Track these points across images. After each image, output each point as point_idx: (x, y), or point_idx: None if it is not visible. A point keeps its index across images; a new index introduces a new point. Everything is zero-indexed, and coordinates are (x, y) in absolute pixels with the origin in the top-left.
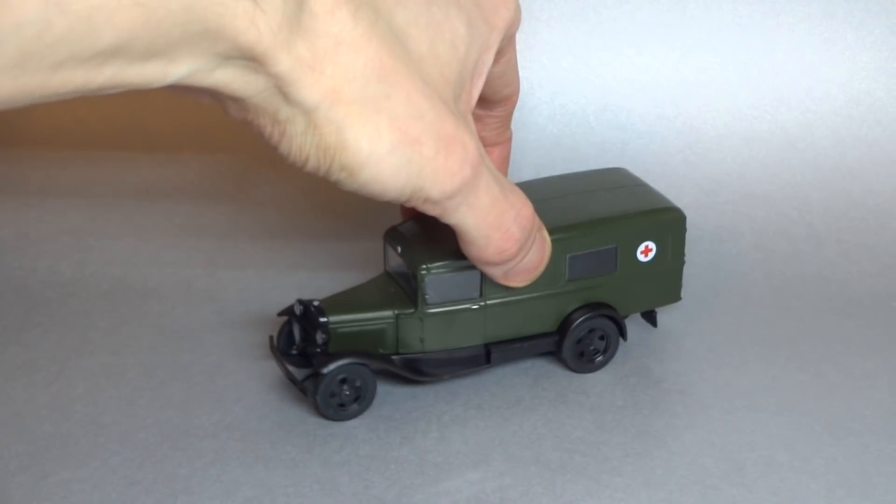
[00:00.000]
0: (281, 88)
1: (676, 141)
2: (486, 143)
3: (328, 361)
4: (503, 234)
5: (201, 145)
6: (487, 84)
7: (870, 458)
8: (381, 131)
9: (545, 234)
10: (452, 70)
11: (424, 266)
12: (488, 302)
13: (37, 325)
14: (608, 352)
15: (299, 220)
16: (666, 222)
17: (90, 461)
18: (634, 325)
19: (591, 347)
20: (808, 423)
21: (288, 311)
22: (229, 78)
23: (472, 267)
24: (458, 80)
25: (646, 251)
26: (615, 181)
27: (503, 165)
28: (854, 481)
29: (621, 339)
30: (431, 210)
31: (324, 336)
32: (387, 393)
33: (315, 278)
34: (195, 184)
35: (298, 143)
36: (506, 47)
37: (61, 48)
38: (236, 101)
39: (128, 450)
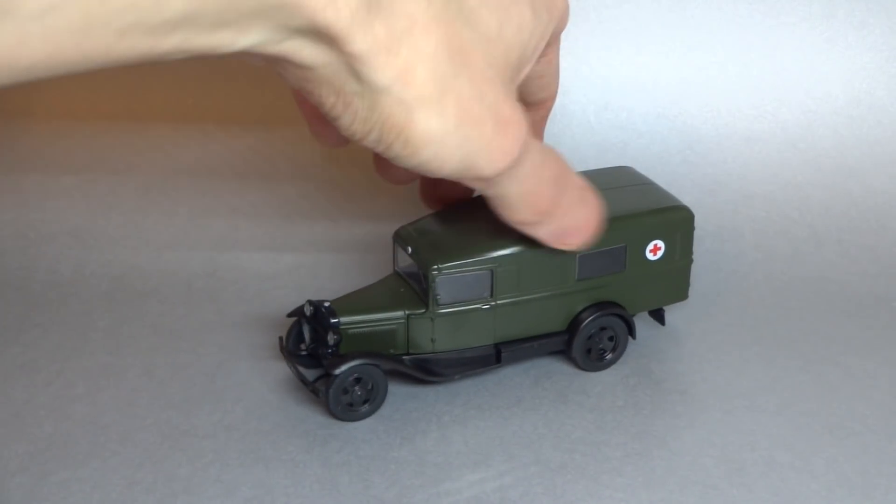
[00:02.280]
0: (353, 66)
1: (677, 141)
2: None
3: (340, 363)
4: (535, 195)
5: (201, 146)
6: (525, 83)
7: (870, 459)
8: (447, 111)
9: (590, 193)
10: (514, 53)
11: (436, 266)
12: (499, 302)
13: (37, 325)
14: (617, 350)
15: (299, 220)
16: (674, 221)
17: (90, 461)
18: (636, 324)
19: (600, 346)
20: (808, 423)
21: (298, 312)
22: (297, 48)
23: (483, 267)
24: (517, 63)
25: (654, 250)
26: (623, 180)
27: None
28: (855, 481)
29: (630, 338)
30: (478, 185)
31: (335, 337)
32: (387, 393)
33: (315, 279)
34: (195, 184)
35: (363, 117)
36: (549, 46)
37: (127, 15)
38: (300, 69)
39: (128, 450)
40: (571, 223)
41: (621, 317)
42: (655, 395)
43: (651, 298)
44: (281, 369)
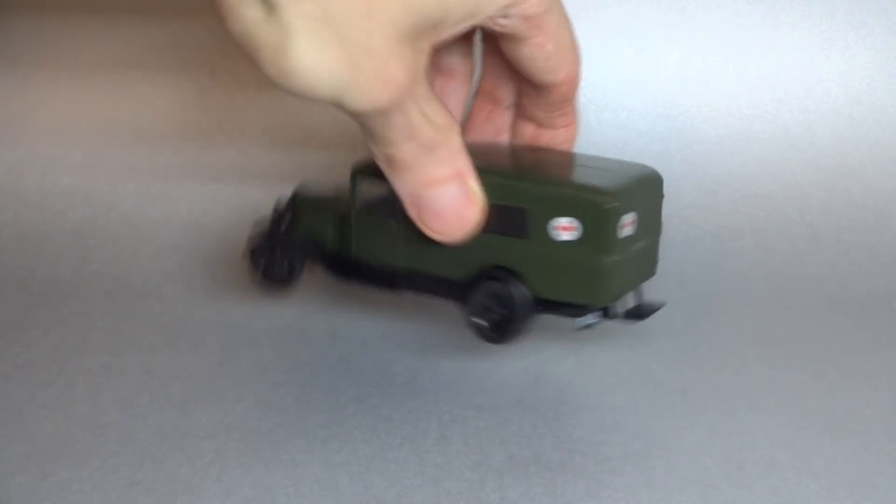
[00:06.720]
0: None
1: (676, 141)
2: (538, 124)
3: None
4: (395, 146)
5: (201, 146)
6: (520, 64)
7: (870, 458)
8: (327, 51)
9: (472, 184)
10: (430, 8)
11: (359, 168)
12: (407, 223)
13: (37, 325)
14: (515, 323)
15: None
16: (587, 204)
17: (90, 461)
18: (634, 324)
19: (495, 314)
20: (808, 423)
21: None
22: None
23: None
24: (431, 17)
25: (562, 228)
26: (616, 168)
27: (566, 144)
28: (854, 481)
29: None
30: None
31: (289, 214)
32: (386, 393)
33: (313, 277)
34: (195, 184)
35: (247, 28)
36: (529, 31)
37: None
38: None
39: (128, 450)
40: (432, 200)
41: (520, 287)
42: (655, 394)
43: (560, 287)
44: (281, 369)
